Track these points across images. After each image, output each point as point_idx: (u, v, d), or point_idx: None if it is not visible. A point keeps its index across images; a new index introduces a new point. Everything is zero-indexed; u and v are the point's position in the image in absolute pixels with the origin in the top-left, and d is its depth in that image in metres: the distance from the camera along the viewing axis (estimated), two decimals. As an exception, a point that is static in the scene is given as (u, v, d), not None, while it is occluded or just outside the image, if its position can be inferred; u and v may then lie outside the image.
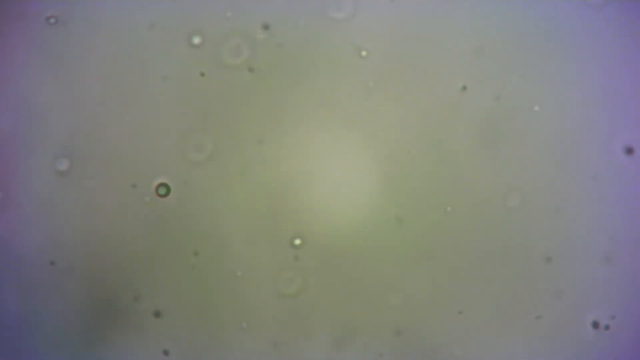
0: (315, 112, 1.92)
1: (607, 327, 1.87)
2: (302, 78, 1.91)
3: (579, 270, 1.90)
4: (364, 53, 1.91)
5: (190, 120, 1.92)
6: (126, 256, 1.91)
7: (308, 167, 1.91)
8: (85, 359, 1.92)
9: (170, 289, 1.91)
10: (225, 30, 1.91)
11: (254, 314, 1.92)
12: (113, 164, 1.92)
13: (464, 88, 1.89)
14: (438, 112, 1.91)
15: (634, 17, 1.91)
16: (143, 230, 1.91)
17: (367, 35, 1.91)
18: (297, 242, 1.91)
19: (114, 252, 1.91)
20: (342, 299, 1.92)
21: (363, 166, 1.91)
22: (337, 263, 1.92)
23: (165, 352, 1.90)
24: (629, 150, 1.85)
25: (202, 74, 1.89)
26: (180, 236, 1.91)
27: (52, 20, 1.74)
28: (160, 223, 1.91)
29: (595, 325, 1.87)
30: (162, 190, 1.89)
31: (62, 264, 1.91)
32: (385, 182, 1.91)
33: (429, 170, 1.91)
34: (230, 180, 1.92)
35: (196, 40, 1.90)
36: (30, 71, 1.91)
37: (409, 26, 1.91)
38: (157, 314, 1.91)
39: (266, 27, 1.89)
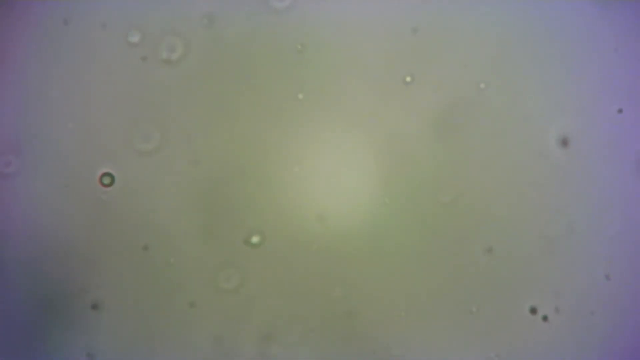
0: (260, 105, 1.93)
1: (545, 318, 1.87)
2: (244, 69, 1.93)
3: (518, 264, 1.90)
4: (299, 47, 1.94)
5: (137, 112, 1.93)
6: (71, 251, 1.90)
7: (256, 160, 1.92)
8: (23, 352, 1.90)
9: (116, 284, 1.90)
10: (166, 21, 1.93)
11: (197, 307, 1.90)
12: (58, 156, 1.92)
13: (408, 79, 1.90)
14: (381, 103, 1.92)
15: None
16: (91, 224, 1.90)
17: (307, 25, 1.92)
18: (251, 238, 1.91)
19: (59, 245, 1.90)
20: (284, 293, 1.91)
21: (310, 159, 1.92)
22: (280, 259, 1.91)
23: (90, 356, 1.88)
24: (564, 142, 1.86)
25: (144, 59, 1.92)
26: (129, 230, 1.90)
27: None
28: (109, 217, 1.90)
29: (534, 311, 1.86)
30: (107, 180, 1.89)
31: (6, 256, 1.90)
32: (325, 176, 1.92)
33: (371, 163, 1.92)
34: (180, 172, 1.92)
35: (134, 38, 1.92)
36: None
37: (351, 17, 1.93)
38: (95, 307, 1.89)
39: (207, 16, 1.90)
